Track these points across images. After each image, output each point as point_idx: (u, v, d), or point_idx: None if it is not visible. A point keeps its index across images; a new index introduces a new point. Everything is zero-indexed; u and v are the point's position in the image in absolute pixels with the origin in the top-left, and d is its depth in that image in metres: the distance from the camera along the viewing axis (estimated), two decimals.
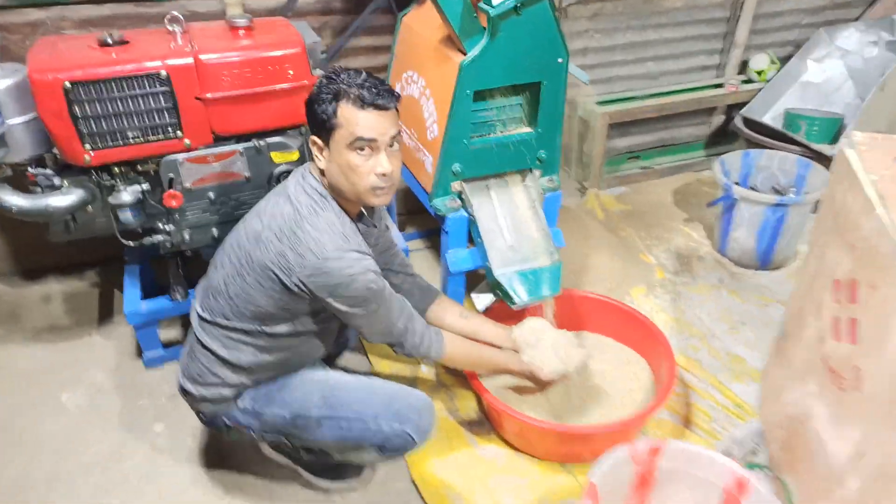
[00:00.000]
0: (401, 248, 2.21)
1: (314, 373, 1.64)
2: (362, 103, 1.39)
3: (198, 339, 1.56)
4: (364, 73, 1.44)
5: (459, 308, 1.90)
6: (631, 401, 1.98)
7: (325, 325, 1.57)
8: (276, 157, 2.01)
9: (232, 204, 2.04)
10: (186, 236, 2.03)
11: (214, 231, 2.06)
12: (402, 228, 2.88)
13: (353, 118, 1.40)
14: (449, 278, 2.08)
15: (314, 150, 1.46)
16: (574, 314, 2.21)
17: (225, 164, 1.97)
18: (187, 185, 1.95)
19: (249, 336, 1.52)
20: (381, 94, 1.41)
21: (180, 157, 1.92)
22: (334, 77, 1.42)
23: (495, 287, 1.96)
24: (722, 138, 3.63)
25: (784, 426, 1.71)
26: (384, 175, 1.44)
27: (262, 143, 1.97)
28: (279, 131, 2.00)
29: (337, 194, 1.50)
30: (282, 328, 1.52)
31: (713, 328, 2.37)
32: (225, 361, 1.53)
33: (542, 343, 1.83)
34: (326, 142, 1.43)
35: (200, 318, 1.56)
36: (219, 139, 1.95)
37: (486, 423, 2.00)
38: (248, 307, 1.49)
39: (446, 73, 1.89)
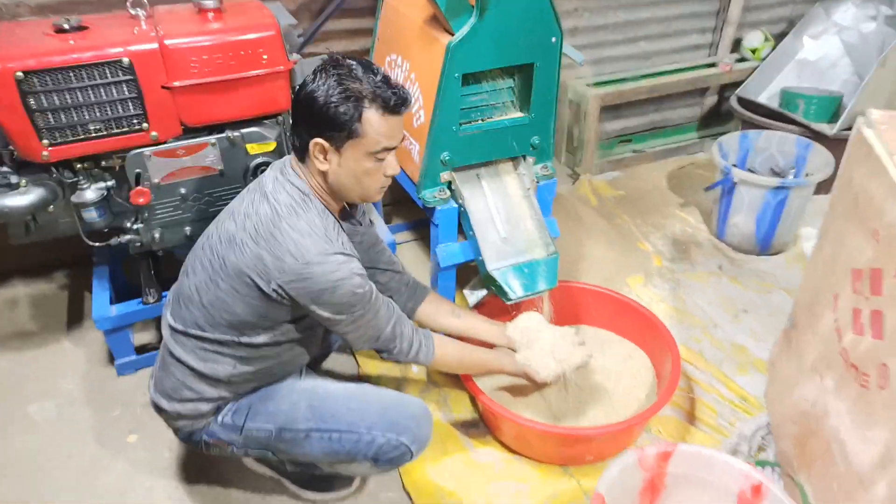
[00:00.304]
0: (387, 244, 2.11)
1: (300, 382, 1.52)
2: (386, 109, 1.29)
3: (170, 351, 1.44)
4: (376, 69, 1.32)
5: (451, 306, 1.79)
6: (633, 398, 1.89)
7: (308, 332, 1.46)
8: (251, 148, 1.88)
9: (206, 200, 1.91)
10: (157, 236, 1.90)
11: (187, 229, 1.93)
12: (388, 220, 2.76)
13: (380, 126, 1.29)
14: (439, 273, 1.97)
15: (315, 152, 1.32)
16: (571, 307, 2.11)
17: (196, 157, 1.84)
18: (156, 180, 1.82)
19: (226, 347, 1.40)
20: (402, 98, 1.31)
21: (147, 150, 1.78)
22: (347, 75, 1.28)
23: (489, 282, 1.85)
24: (715, 119, 3.54)
25: (797, 422, 1.62)
26: (394, 175, 1.38)
27: (235, 133, 1.84)
28: (254, 121, 1.87)
29: (328, 193, 1.39)
30: (261, 338, 1.40)
31: (715, 317, 2.28)
32: (201, 375, 1.41)
33: (537, 343, 1.73)
34: (339, 147, 1.31)
35: (172, 328, 1.44)
36: (189, 131, 1.82)
37: (481, 424, 1.90)
38: (223, 316, 1.37)
39: (432, 56, 1.77)
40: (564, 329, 1.79)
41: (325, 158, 1.33)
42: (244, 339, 1.39)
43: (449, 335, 1.75)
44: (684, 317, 2.29)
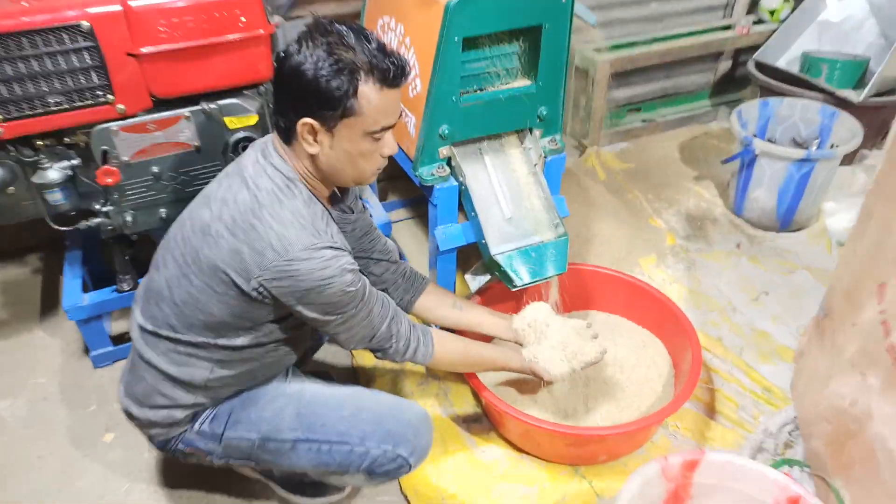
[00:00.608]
0: (382, 225, 1.95)
1: (286, 385, 1.38)
2: (384, 82, 1.13)
3: (139, 353, 1.29)
4: (369, 35, 1.14)
5: (452, 298, 1.64)
6: (649, 390, 1.75)
7: (295, 332, 1.31)
8: (231, 122, 1.71)
9: (182, 180, 1.74)
10: (129, 219, 1.74)
11: (163, 212, 1.77)
12: (383, 197, 2.59)
13: (377, 102, 1.13)
14: (438, 257, 1.81)
15: (304, 134, 1.15)
16: (580, 291, 1.96)
17: (169, 132, 1.66)
18: (125, 158, 1.65)
19: (202, 349, 1.25)
20: (401, 68, 1.15)
21: (114, 125, 1.61)
22: (337, 43, 1.11)
23: (492, 267, 1.70)
24: (729, 86, 3.34)
25: (831, 420, 1.48)
26: (391, 154, 1.23)
27: (212, 106, 1.66)
28: (233, 91, 1.70)
29: (317, 178, 1.23)
30: (241, 339, 1.25)
31: (734, 300, 2.13)
32: (174, 379, 1.27)
33: (546, 337, 1.58)
34: (331, 127, 1.14)
35: (142, 328, 1.29)
36: (160, 103, 1.64)
37: (484, 419, 1.76)
38: (197, 316, 1.21)
39: (429, 18, 1.58)
40: (575, 321, 1.64)
41: (316, 140, 1.17)
42: (222, 342, 1.24)
43: (450, 329, 1.60)
44: (700, 299, 2.14)
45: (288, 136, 1.19)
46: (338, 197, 1.36)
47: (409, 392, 1.83)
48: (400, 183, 2.62)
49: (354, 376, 1.89)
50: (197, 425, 1.33)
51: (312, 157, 1.19)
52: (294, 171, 1.20)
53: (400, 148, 1.84)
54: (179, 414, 1.30)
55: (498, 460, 1.66)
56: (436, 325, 1.65)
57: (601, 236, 2.40)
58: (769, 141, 2.52)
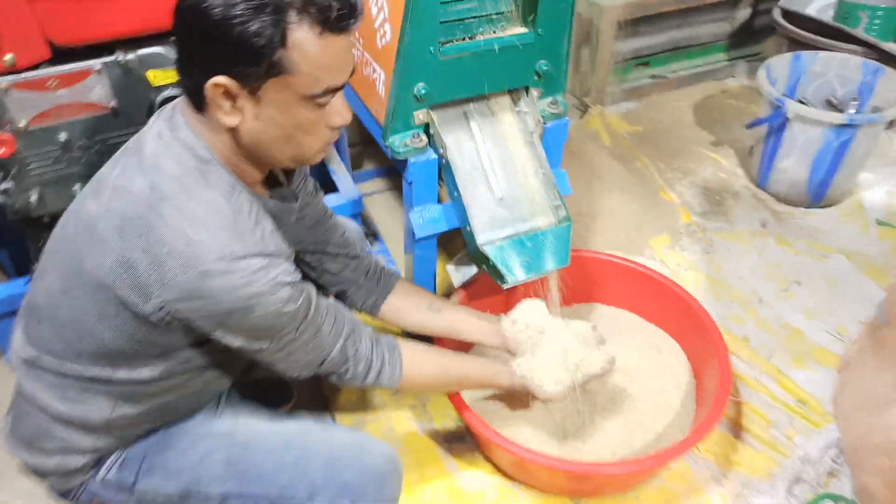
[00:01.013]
0: (348, 210, 1.63)
1: (215, 421, 1.08)
2: (326, 25, 0.80)
3: (20, 386, 0.99)
4: None
5: (427, 298, 1.34)
6: (664, 405, 1.47)
7: (224, 356, 1.00)
8: (154, 77, 1.37)
9: (98, 150, 1.41)
10: (35, 198, 1.41)
11: (78, 189, 1.44)
12: (356, 165, 2.26)
13: (317, 53, 0.82)
14: (415, 245, 1.50)
15: (216, 99, 0.84)
16: (583, 282, 1.66)
17: (77, 90, 1.33)
18: (22, 123, 1.32)
19: (97, 383, 0.95)
20: (350, 4, 0.82)
21: (3, 81, 1.27)
22: None
23: (479, 260, 1.39)
24: (747, 38, 2.98)
25: (892, 456, 1.21)
26: (343, 126, 0.91)
27: (129, 56, 1.33)
28: (156, 37, 1.36)
29: (242, 158, 0.91)
30: (149, 371, 0.95)
31: (759, 290, 1.84)
32: (65, 420, 0.97)
33: (542, 345, 1.29)
34: (255, 89, 0.83)
35: (21, 357, 0.98)
36: (62, 53, 1.31)
37: (468, 436, 1.48)
38: (86, 343, 0.91)
39: None
40: (578, 324, 1.35)
41: (235, 107, 0.84)
42: (121, 375, 0.95)
43: (425, 336, 1.31)
44: (721, 289, 1.85)
45: (199, 103, 0.87)
46: (277, 181, 1.04)
47: (381, 403, 1.55)
48: (375, 149, 2.28)
49: (316, 383, 1.60)
50: (102, 473, 1.04)
51: (233, 131, 0.87)
52: (210, 150, 0.89)
53: (367, 111, 1.51)
54: (76, 461, 1.01)
55: (484, 490, 1.39)
56: (407, 332, 1.36)
57: (605, 212, 2.09)
58: (800, 102, 2.19)
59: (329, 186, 1.78)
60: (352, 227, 1.39)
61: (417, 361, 1.14)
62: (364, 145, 2.30)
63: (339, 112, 0.89)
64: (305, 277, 1.26)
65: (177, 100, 0.93)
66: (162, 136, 0.89)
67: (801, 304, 1.80)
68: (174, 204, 0.84)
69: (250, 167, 0.93)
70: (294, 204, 1.05)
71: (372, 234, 1.98)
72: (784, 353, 1.67)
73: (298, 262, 1.23)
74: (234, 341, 0.89)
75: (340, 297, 1.29)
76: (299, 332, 0.94)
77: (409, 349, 1.14)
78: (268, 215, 0.95)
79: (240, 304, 0.84)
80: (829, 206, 2.13)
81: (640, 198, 2.15)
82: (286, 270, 0.88)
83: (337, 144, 1.96)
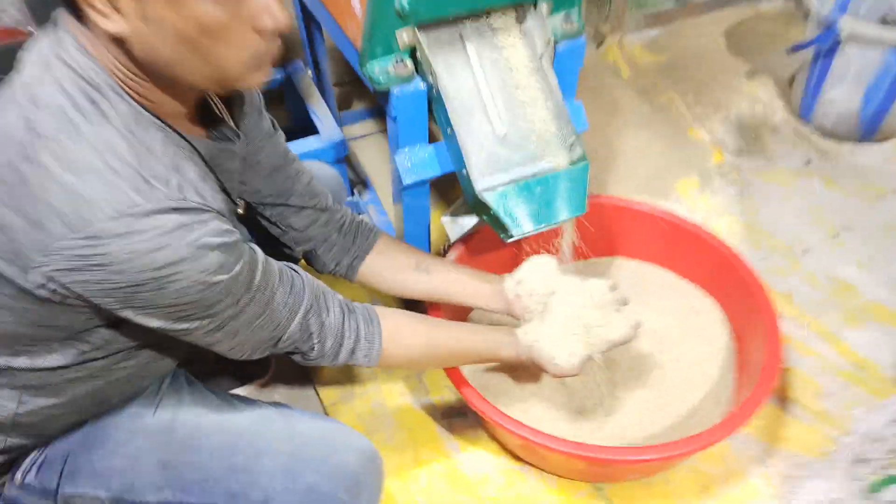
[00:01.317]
0: (330, 157, 1.42)
1: (150, 414, 0.88)
2: None
3: None
4: None
5: (415, 256, 1.12)
6: (700, 377, 1.26)
7: (156, 335, 0.79)
8: None
9: None
10: None
11: None
12: (344, 106, 2.02)
13: None
14: (403, 193, 1.28)
15: None
16: (602, 232, 1.44)
17: None
18: None
19: None
20: None
21: None
22: None
23: (478, 210, 1.17)
24: None
25: None
26: (277, 30, 0.66)
27: None
28: None
29: (147, 78, 0.68)
30: (57, 358, 0.76)
31: (805, 237, 1.61)
32: None
33: (553, 309, 1.08)
34: None
35: None
36: None
37: (471, 413, 1.29)
38: None
39: None
40: (595, 282, 1.13)
41: (112, 5, 0.61)
42: (22, 363, 0.75)
43: (413, 301, 1.11)
44: (760, 237, 1.62)
45: (72, 5, 0.64)
46: (214, 114, 0.81)
47: (371, 374, 1.35)
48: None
49: None
50: (19, 477, 0.86)
51: (121, 43, 0.64)
52: (104, 73, 0.66)
53: (341, 32, 1.27)
54: None
55: (488, 475, 1.20)
56: (395, 299, 1.15)
57: (625, 154, 1.85)
58: None
59: (311, 129, 1.56)
60: (327, 174, 1.18)
61: (402, 333, 0.93)
62: (353, 84, 2.06)
63: (266, 8, 0.65)
64: (268, 237, 1.05)
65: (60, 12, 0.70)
66: (42, 56, 0.67)
67: (851, 253, 1.57)
68: (54, 146, 0.62)
69: (163, 95, 0.70)
70: (235, 144, 0.82)
71: (361, 183, 1.75)
72: (835, 311, 1.45)
73: (259, 217, 1.02)
74: (151, 322, 0.69)
75: (310, 258, 1.08)
76: (241, 306, 0.73)
77: (391, 319, 0.93)
78: (194, 159, 0.73)
79: (149, 276, 0.63)
80: (882, 140, 1.87)
81: (666, 136, 1.90)
82: (215, 230, 0.67)
83: (319, 81, 1.72)
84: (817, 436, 1.23)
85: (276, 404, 0.92)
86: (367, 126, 1.98)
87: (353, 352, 0.88)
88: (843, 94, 1.78)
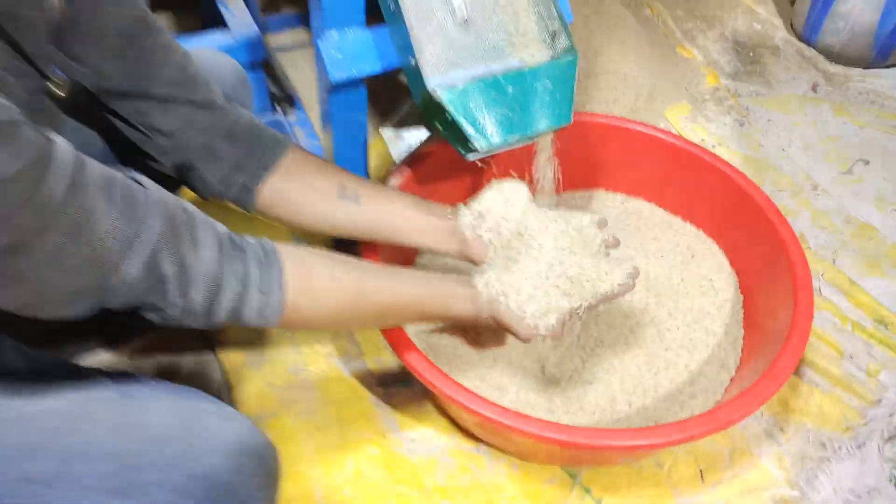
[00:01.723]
0: (246, 57, 1.12)
1: None
2: None
3: None
4: None
5: (340, 178, 0.81)
6: (702, 336, 1.02)
7: None
8: None
9: None
10: None
11: None
12: (270, 8, 1.67)
13: None
14: (331, 97, 0.98)
15: None
16: (586, 156, 1.17)
17: None
18: None
19: None
20: None
21: None
22: None
23: (430, 113, 0.88)
24: None
25: None
26: None
27: None
28: None
29: None
30: None
31: (814, 173, 1.38)
32: None
33: (524, 251, 0.81)
34: None
35: None
36: None
37: (415, 382, 1.02)
38: None
39: None
40: (578, 215, 0.86)
41: None
42: None
43: (345, 242, 0.82)
44: (763, 172, 1.38)
45: None
46: None
47: (283, 333, 1.07)
48: None
49: None
50: None
51: None
52: None
53: None
54: None
55: (436, 458, 0.95)
56: (313, 233, 0.85)
57: (606, 74, 1.56)
58: None
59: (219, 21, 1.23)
60: (220, 63, 0.85)
61: (315, 281, 0.65)
62: None
63: None
64: (128, 147, 0.74)
65: None
66: None
67: (868, 189, 1.35)
68: None
69: None
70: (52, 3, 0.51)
71: (287, 100, 1.43)
72: (852, 256, 1.22)
73: (109, 115, 0.71)
74: None
75: (188, 177, 0.76)
76: (26, 232, 0.44)
77: (298, 261, 0.64)
78: None
79: None
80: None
81: (653, 55, 1.63)
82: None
83: None
84: (838, 406, 1.01)
85: (121, 377, 0.63)
86: (299, 35, 1.64)
87: (237, 307, 0.59)
88: (856, 8, 1.53)
